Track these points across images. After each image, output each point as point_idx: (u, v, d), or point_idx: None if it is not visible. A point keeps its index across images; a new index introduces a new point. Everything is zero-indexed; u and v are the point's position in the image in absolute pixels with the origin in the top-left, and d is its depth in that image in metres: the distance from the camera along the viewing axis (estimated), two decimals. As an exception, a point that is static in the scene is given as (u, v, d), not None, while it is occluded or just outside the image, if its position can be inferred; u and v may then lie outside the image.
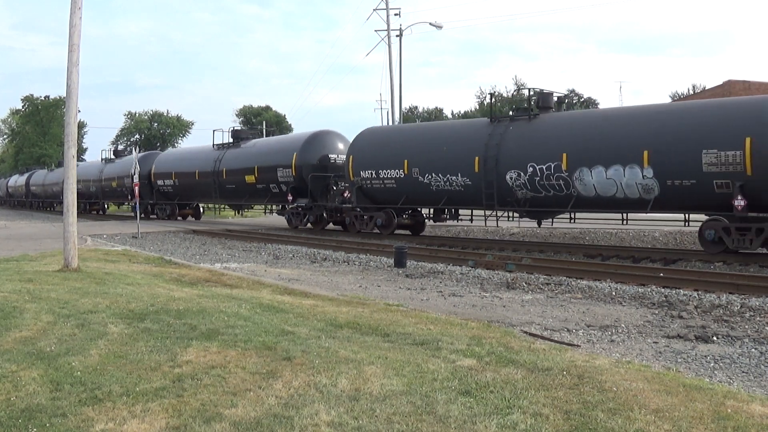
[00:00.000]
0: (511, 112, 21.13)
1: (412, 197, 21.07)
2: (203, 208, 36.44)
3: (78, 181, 32.94)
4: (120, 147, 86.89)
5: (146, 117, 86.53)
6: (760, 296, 10.12)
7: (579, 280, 11.95)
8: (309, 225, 25.48)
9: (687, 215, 16.94)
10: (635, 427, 3.99)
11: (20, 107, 76.95)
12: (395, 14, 38.16)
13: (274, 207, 28.84)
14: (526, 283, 11.91)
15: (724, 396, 4.64)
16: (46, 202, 52.43)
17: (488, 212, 20.63)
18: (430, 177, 20.13)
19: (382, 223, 21.66)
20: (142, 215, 34.00)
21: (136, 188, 23.73)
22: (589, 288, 11.21)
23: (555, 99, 19.50)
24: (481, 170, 18.74)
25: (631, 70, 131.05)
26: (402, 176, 20.86)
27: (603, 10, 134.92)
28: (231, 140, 29.82)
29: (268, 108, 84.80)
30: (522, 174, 17.91)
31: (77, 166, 34.93)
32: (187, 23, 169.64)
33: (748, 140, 14.16)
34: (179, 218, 33.37)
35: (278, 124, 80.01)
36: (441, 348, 5.87)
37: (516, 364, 5.37)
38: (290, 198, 25.25)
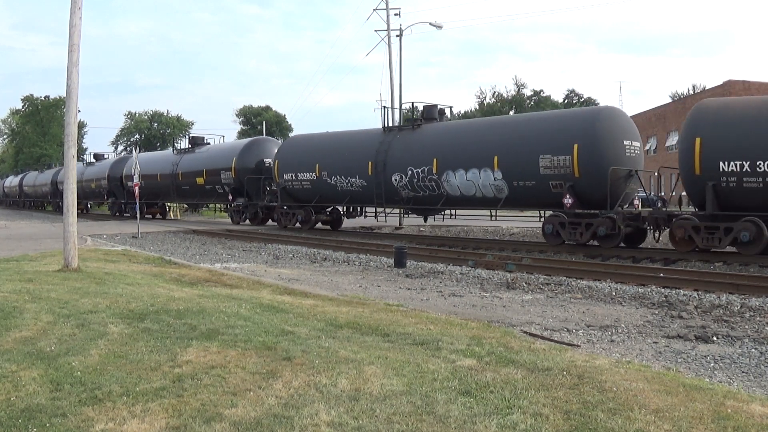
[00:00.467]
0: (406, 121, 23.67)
1: (324, 196, 24.30)
2: (169, 207, 40.12)
3: (62, 182, 34.26)
4: (120, 147, 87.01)
5: (146, 117, 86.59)
6: (760, 296, 10.12)
7: (579, 280, 11.95)
8: (247, 221, 28.64)
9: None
10: (635, 427, 3.99)
11: (20, 107, 77.05)
12: (395, 14, 38.11)
13: (221, 205, 32.83)
14: (526, 283, 11.91)
15: (724, 396, 4.64)
16: (37, 202, 55.92)
17: (379, 209, 23.74)
18: (335, 179, 23.43)
19: (302, 219, 24.98)
20: (118, 213, 37.97)
21: (136, 188, 23.75)
22: (589, 288, 11.21)
23: (438, 110, 22.46)
24: (374, 173, 21.84)
25: (631, 70, 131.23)
26: (315, 178, 24.16)
27: (603, 10, 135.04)
28: (188, 146, 33.51)
29: (268, 108, 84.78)
30: (404, 176, 21.03)
31: (62, 168, 30.37)
32: (187, 23, 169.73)
33: (575, 146, 16.75)
34: (148, 216, 36.27)
35: (278, 124, 80.00)
36: (441, 348, 5.87)
37: (516, 364, 5.36)
38: (231, 198, 29.01)
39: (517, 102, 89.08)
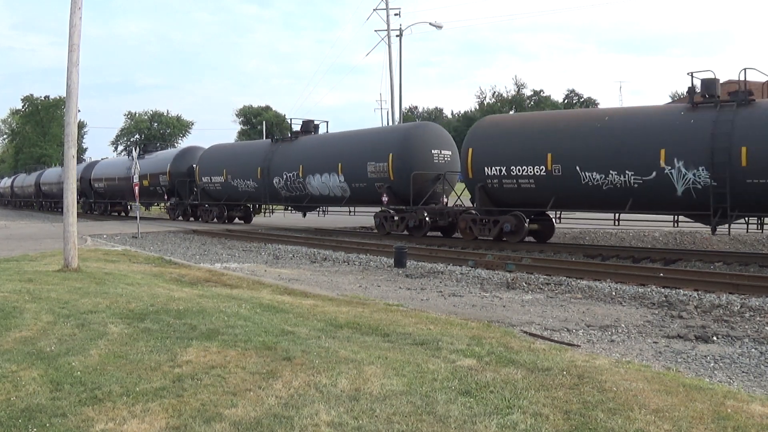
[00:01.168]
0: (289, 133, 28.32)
1: (230, 196, 29.28)
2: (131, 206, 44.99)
3: (46, 184, 42.10)
4: (120, 147, 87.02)
5: (146, 117, 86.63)
6: (760, 296, 10.12)
7: (579, 280, 11.95)
8: (180, 217, 33.00)
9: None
10: (635, 427, 3.99)
11: (20, 107, 77.10)
12: (395, 14, 38.21)
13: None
14: (526, 283, 11.91)
15: (724, 396, 4.64)
16: (25, 202, 56.67)
17: (266, 205, 29.58)
18: (237, 181, 28.26)
19: (217, 215, 30.09)
20: (88, 212, 41.97)
21: (136, 188, 23.76)
22: (589, 288, 11.21)
23: (312, 125, 26.99)
24: (261, 177, 26.72)
25: (631, 70, 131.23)
26: (223, 181, 29.01)
27: (603, 10, 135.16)
28: (141, 153, 37.39)
29: (268, 108, 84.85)
30: (281, 179, 25.87)
31: (44, 172, 41.44)
32: (186, 23, 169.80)
33: (390, 156, 21.18)
34: (114, 213, 41.68)
35: (278, 124, 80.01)
36: (441, 348, 5.87)
37: (516, 364, 5.37)
38: (166, 197, 34.06)
39: (517, 102, 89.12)
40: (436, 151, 21.46)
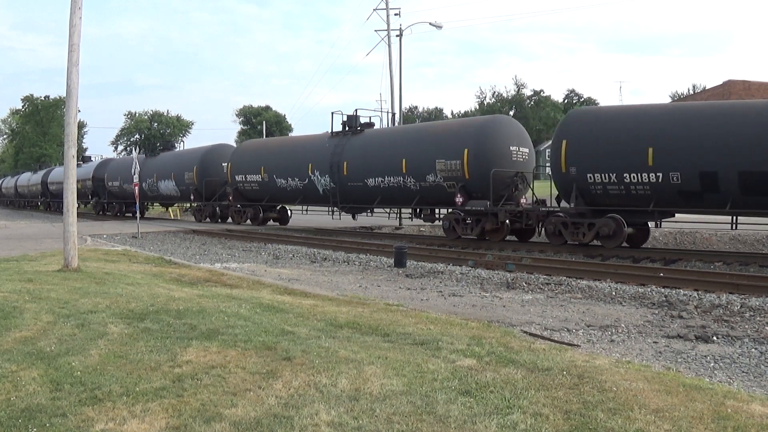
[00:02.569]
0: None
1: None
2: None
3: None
4: (120, 147, 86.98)
5: (146, 117, 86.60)
6: (760, 296, 10.12)
7: (579, 280, 11.95)
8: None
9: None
10: (635, 427, 3.99)
11: (20, 107, 77.05)
12: (395, 14, 38.17)
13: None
14: (526, 283, 11.91)
15: (724, 396, 4.64)
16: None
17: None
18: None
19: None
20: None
21: (136, 188, 23.75)
22: (589, 288, 11.21)
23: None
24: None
25: (631, 70, 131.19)
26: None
27: (603, 10, 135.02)
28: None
29: (268, 108, 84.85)
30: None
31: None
32: (186, 23, 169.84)
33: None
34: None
35: (278, 123, 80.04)
36: (441, 348, 5.87)
37: (516, 364, 5.37)
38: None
39: (517, 102, 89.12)
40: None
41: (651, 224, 17.16)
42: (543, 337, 7.09)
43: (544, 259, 15.23)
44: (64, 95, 12.15)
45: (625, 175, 15.58)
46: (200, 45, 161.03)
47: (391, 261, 15.02)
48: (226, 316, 7.13)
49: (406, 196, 21.41)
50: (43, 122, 74.63)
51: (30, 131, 75.48)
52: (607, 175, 15.88)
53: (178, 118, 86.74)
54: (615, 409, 4.28)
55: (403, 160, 21.01)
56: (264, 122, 68.97)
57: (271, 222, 28.58)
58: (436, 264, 14.82)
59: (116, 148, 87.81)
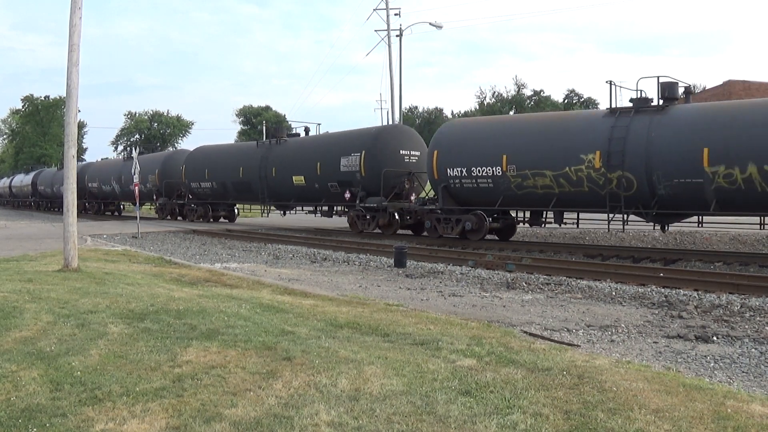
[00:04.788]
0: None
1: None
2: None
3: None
4: (120, 147, 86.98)
5: (146, 117, 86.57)
6: (760, 296, 10.11)
7: (579, 280, 11.94)
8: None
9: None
10: (635, 427, 3.99)
11: (20, 107, 77.06)
12: (395, 14, 38.23)
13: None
14: (526, 283, 11.91)
15: (724, 396, 4.64)
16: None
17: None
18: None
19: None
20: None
21: (136, 188, 23.75)
22: (589, 288, 11.21)
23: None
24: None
25: (631, 70, 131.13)
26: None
27: (602, 10, 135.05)
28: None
29: (267, 108, 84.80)
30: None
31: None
32: (186, 23, 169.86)
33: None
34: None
35: (278, 124, 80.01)
36: (441, 348, 5.87)
37: (516, 364, 5.36)
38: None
39: (517, 102, 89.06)
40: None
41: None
42: (543, 337, 7.09)
43: (544, 259, 15.22)
44: (64, 95, 12.16)
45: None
46: (200, 45, 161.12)
47: (391, 261, 15.02)
48: (226, 316, 7.13)
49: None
50: (43, 122, 74.63)
51: (30, 131, 75.49)
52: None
53: (178, 118, 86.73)
54: (615, 409, 4.28)
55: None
56: (264, 122, 68.92)
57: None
58: (436, 264, 14.81)
59: (116, 148, 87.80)
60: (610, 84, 17.17)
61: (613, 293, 10.70)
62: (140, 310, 7.41)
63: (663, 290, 10.78)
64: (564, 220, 18.75)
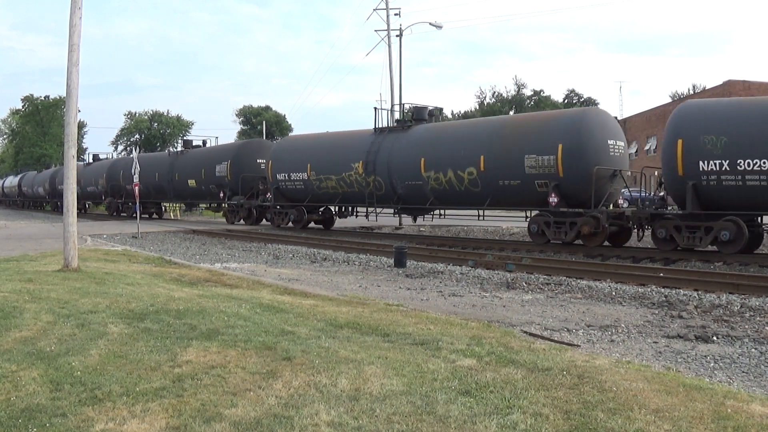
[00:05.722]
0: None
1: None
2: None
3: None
4: (120, 147, 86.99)
5: (146, 117, 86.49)
6: (760, 296, 10.12)
7: (579, 280, 11.94)
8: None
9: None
10: (635, 427, 3.99)
11: (20, 107, 77.00)
12: (395, 14, 38.18)
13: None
14: (526, 283, 11.91)
15: (724, 396, 4.64)
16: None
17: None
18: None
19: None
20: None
21: (136, 188, 23.74)
22: (589, 288, 11.21)
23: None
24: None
25: (630, 70, 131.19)
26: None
27: (602, 10, 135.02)
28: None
29: (268, 108, 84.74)
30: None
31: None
32: (185, 23, 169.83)
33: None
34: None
35: (278, 123, 80.00)
36: (441, 348, 5.87)
37: (516, 364, 5.36)
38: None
39: (517, 102, 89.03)
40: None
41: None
42: (543, 337, 7.09)
43: (544, 259, 15.23)
44: (64, 95, 12.16)
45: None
46: (200, 45, 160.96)
47: (391, 261, 15.02)
48: (226, 316, 7.13)
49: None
50: (43, 122, 74.58)
51: (30, 131, 75.43)
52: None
53: (178, 118, 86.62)
54: (615, 409, 4.28)
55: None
56: (264, 122, 68.93)
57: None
58: (436, 264, 14.81)
59: (116, 148, 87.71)
60: (375, 109, 23.39)
61: (613, 293, 10.70)
62: (140, 310, 7.41)
63: (663, 290, 10.78)
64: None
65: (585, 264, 14.33)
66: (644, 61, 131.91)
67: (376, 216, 24.87)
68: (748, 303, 9.54)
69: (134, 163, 23.52)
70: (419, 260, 15.39)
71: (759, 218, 15.82)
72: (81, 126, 76.71)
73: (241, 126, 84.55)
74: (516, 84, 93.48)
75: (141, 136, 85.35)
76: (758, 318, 8.67)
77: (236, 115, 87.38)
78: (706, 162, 14.67)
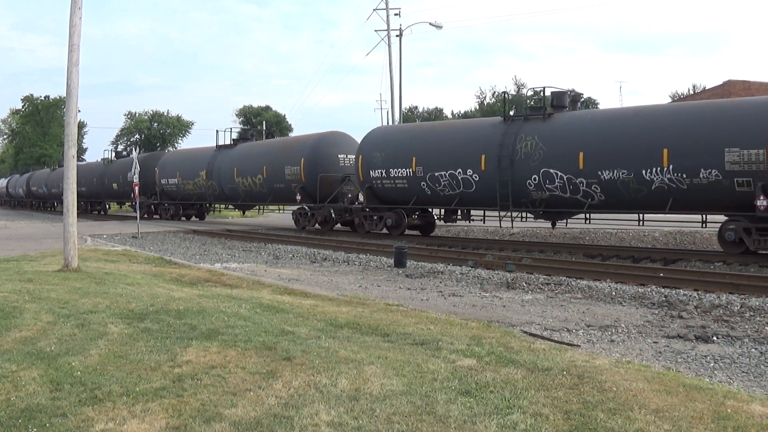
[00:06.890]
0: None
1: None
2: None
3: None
4: (120, 147, 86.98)
5: (146, 117, 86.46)
6: (760, 296, 10.11)
7: (579, 280, 11.94)
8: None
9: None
10: (635, 427, 3.99)
11: (20, 107, 76.95)
12: (395, 14, 38.26)
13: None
14: (526, 283, 11.91)
15: (724, 396, 4.64)
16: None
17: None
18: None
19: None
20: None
21: (136, 188, 23.74)
22: (589, 288, 11.20)
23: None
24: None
25: (631, 70, 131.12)
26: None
27: (602, 10, 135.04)
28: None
29: (267, 108, 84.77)
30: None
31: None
32: (185, 23, 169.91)
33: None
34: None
35: (278, 123, 80.00)
36: (441, 348, 5.87)
37: (516, 364, 5.36)
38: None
39: (518, 102, 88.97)
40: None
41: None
42: (543, 337, 7.09)
43: (544, 259, 15.23)
44: (64, 95, 12.16)
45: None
46: (200, 45, 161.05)
47: (391, 261, 15.02)
48: (226, 316, 7.13)
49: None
50: (43, 122, 74.54)
51: (30, 131, 75.38)
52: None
53: (178, 118, 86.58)
54: (615, 409, 4.28)
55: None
56: (264, 122, 68.92)
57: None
58: (436, 264, 14.81)
59: (116, 147, 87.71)
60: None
61: (613, 293, 10.70)
62: (140, 310, 7.41)
63: (663, 290, 10.78)
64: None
65: (585, 264, 14.33)
66: (644, 61, 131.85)
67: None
68: (748, 303, 9.54)
69: (134, 163, 23.52)
70: (419, 260, 15.39)
71: (431, 209, 22.26)
72: (81, 126, 76.72)
73: (241, 126, 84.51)
74: (516, 84, 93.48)
75: (141, 136, 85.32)
76: (758, 318, 8.67)
77: (236, 115, 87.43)
78: (373, 171, 21.66)
